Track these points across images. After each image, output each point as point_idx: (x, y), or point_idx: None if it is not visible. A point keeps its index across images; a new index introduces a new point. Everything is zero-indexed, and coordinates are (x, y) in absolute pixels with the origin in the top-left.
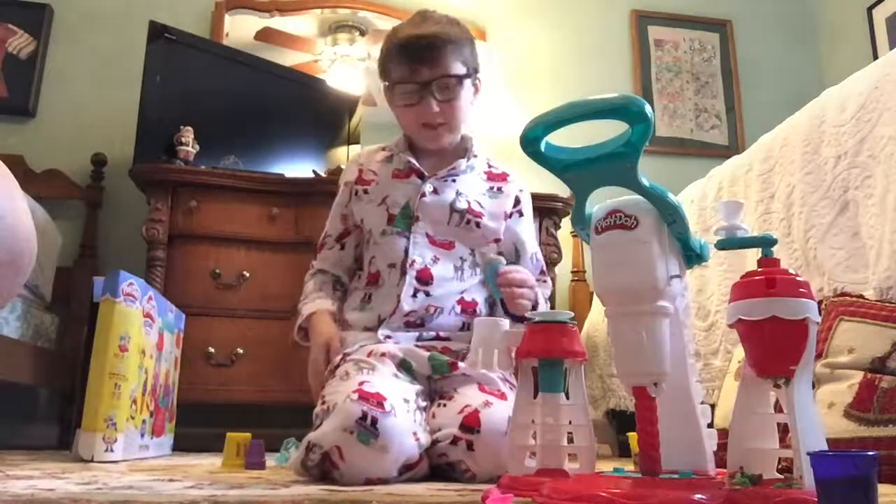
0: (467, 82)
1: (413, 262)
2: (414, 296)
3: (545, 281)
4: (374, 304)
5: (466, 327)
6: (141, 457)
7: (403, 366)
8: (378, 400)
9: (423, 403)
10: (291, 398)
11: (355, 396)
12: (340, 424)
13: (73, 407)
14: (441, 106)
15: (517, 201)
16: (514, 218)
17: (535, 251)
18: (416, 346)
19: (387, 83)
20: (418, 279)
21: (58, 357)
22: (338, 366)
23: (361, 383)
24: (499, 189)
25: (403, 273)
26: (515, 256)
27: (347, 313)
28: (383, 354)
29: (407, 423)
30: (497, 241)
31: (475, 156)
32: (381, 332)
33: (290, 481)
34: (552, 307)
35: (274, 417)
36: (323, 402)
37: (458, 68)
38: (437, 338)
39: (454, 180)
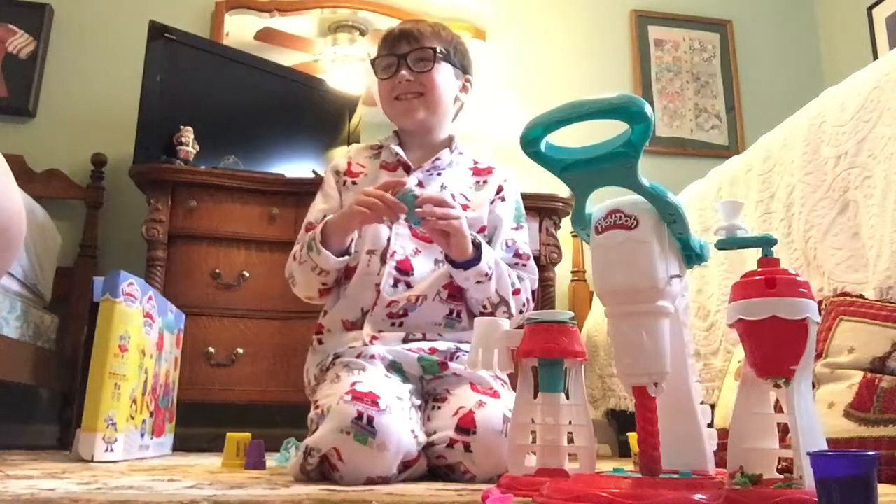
0: (447, 66)
1: (393, 252)
2: (394, 286)
3: (525, 265)
4: (352, 292)
5: (455, 315)
6: (141, 457)
7: (394, 367)
8: (372, 399)
9: (417, 402)
10: (291, 398)
11: (349, 397)
12: (337, 426)
13: (73, 407)
14: (415, 76)
15: (500, 189)
16: (496, 202)
17: (510, 237)
18: (404, 348)
19: (373, 69)
20: (398, 269)
21: (58, 357)
22: (328, 368)
23: (353, 384)
24: (484, 182)
25: (384, 262)
26: (490, 237)
27: (326, 320)
28: (372, 356)
29: (403, 420)
30: (483, 229)
31: (460, 153)
32: (367, 332)
33: (290, 481)
34: (552, 307)
35: (274, 417)
36: (317, 407)
37: (435, 45)
38: (424, 339)
39: (439, 174)
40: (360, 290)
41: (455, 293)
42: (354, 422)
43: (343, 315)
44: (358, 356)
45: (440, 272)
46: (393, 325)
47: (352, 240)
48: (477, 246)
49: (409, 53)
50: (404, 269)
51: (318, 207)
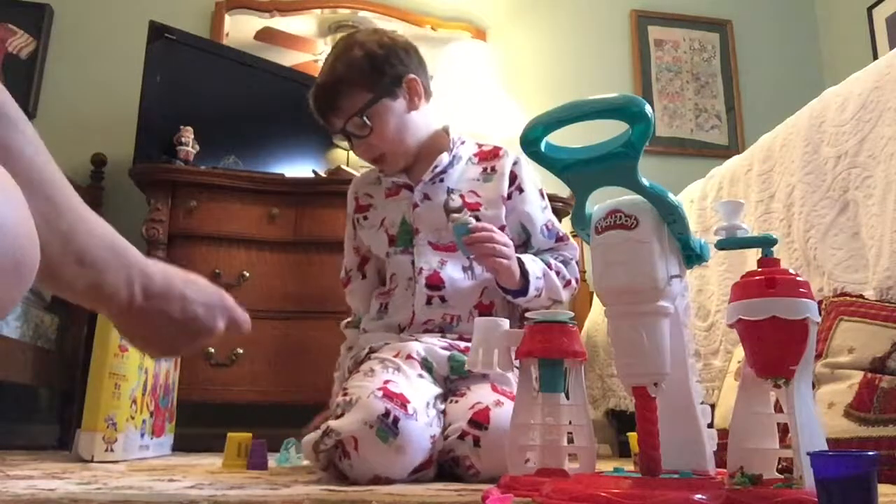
0: (384, 103)
1: (420, 269)
2: (428, 303)
3: (566, 244)
4: (391, 311)
5: None
6: (141, 457)
7: (425, 365)
8: (402, 401)
9: (441, 407)
10: (291, 398)
11: (380, 393)
12: (362, 418)
13: (73, 407)
14: (368, 140)
15: (513, 177)
16: (514, 197)
17: (544, 222)
18: (440, 340)
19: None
20: (429, 286)
21: (58, 357)
22: (362, 361)
23: (387, 382)
24: (492, 169)
25: (416, 282)
26: (525, 235)
27: (366, 324)
28: (409, 356)
29: (426, 429)
30: (502, 228)
31: (462, 142)
32: (405, 335)
33: (290, 481)
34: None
35: (274, 417)
36: (345, 394)
37: (361, 100)
38: (461, 338)
39: (442, 179)
40: (396, 312)
41: (484, 311)
42: (380, 418)
43: (383, 331)
44: (396, 354)
45: (472, 286)
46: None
47: None
48: (525, 273)
49: (344, 127)
50: (435, 284)
51: (345, 260)
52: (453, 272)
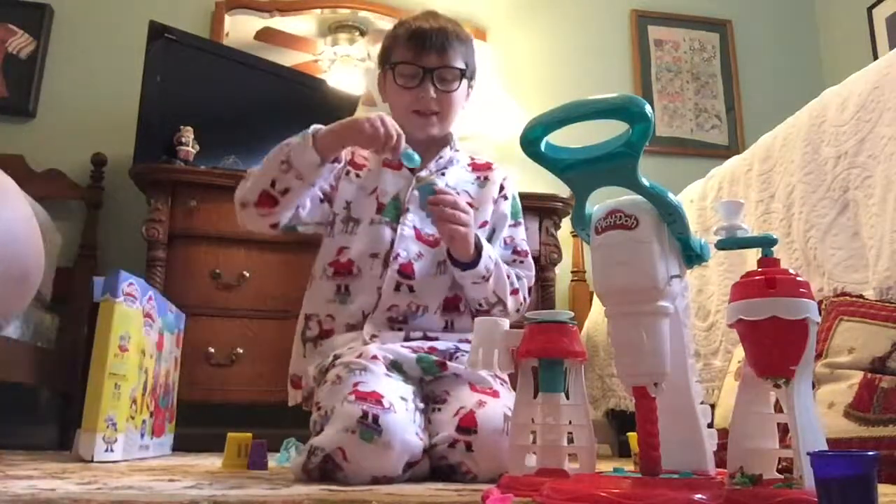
0: (465, 82)
1: (397, 255)
2: (397, 289)
3: (521, 262)
4: (354, 296)
5: (451, 325)
6: (141, 457)
7: (394, 367)
8: (376, 398)
9: (421, 405)
10: None
11: (352, 398)
12: (342, 426)
13: (73, 407)
14: (438, 94)
15: (502, 187)
16: (499, 201)
17: (508, 234)
18: (403, 346)
19: (387, 66)
20: (400, 273)
21: (58, 357)
22: (327, 369)
23: (356, 384)
24: (485, 178)
25: (386, 265)
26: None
27: (324, 305)
28: (374, 357)
29: (407, 420)
30: (484, 224)
31: (457, 150)
32: (367, 331)
33: (290, 481)
34: (552, 307)
35: (274, 417)
36: (319, 408)
37: (461, 63)
38: (424, 337)
39: (443, 174)
40: (362, 294)
41: (450, 304)
42: (360, 421)
43: (346, 320)
44: (359, 356)
45: (442, 281)
46: (392, 328)
47: (335, 158)
48: (479, 248)
49: (436, 69)
50: (406, 273)
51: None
52: (427, 267)
